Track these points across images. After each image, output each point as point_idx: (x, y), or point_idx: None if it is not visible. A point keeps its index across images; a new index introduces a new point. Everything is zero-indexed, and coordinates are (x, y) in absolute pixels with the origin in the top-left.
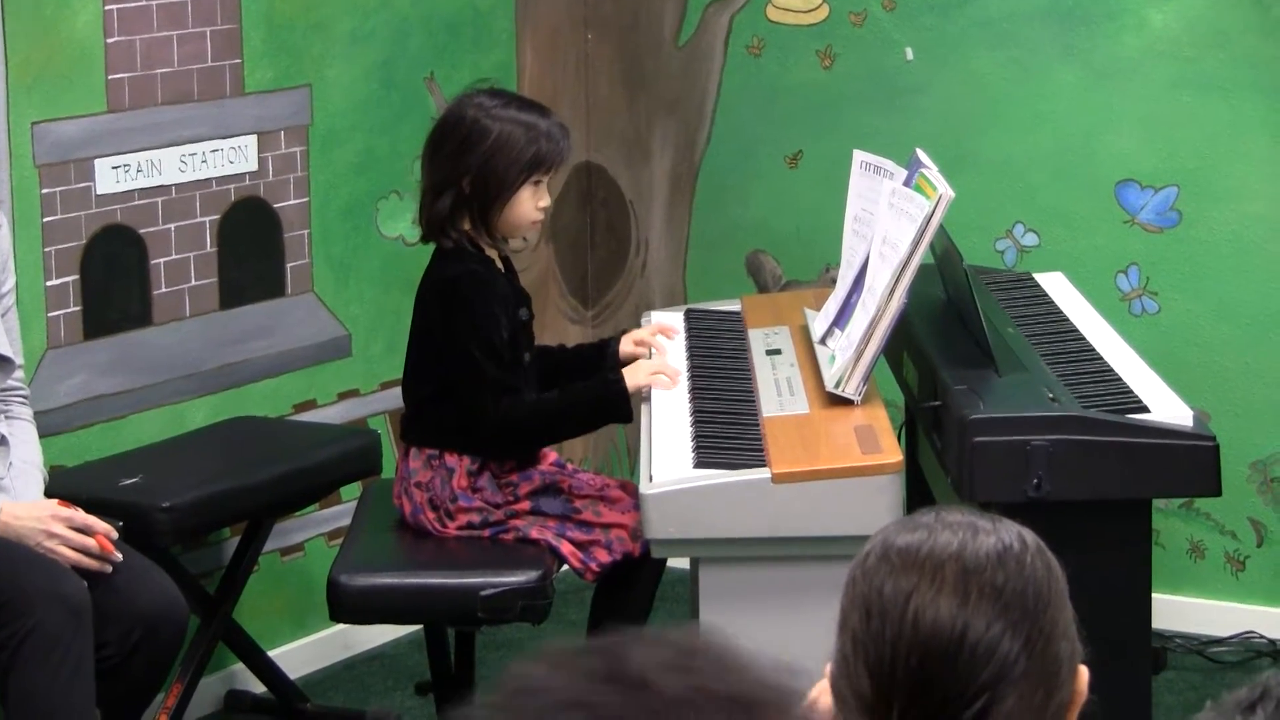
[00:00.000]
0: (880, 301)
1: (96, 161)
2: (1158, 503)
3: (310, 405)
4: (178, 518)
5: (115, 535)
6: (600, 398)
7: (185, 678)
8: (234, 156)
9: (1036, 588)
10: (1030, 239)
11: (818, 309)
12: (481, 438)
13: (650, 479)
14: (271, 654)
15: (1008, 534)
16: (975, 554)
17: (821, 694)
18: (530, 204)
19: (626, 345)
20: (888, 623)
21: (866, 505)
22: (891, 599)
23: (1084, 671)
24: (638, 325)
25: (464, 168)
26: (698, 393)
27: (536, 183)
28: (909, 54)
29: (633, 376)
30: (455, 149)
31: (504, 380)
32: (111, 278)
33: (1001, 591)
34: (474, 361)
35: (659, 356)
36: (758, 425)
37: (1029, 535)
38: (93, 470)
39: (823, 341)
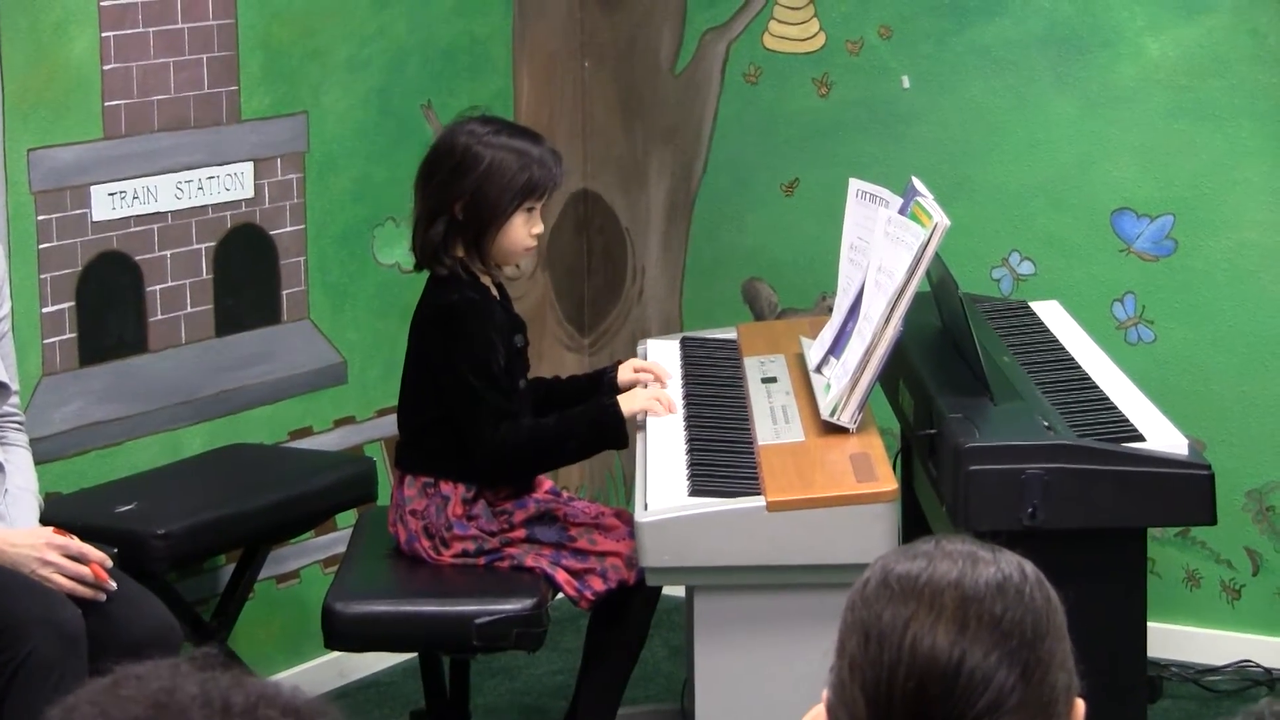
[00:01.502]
0: (876, 330)
1: (93, 188)
2: (1153, 531)
3: (306, 432)
4: (173, 545)
5: (110, 564)
6: (596, 423)
7: None
8: (230, 183)
9: (1035, 618)
10: (1026, 267)
11: (813, 337)
12: (479, 464)
13: (645, 507)
14: None
15: (1008, 564)
16: (975, 583)
17: None
18: (523, 231)
19: (625, 373)
20: (886, 648)
21: (862, 533)
22: (890, 625)
23: (1080, 705)
24: (634, 353)
25: (456, 194)
26: (693, 420)
27: (529, 209)
28: (905, 82)
29: (629, 403)
30: (447, 176)
31: (501, 407)
32: (107, 304)
33: (1000, 621)
34: (471, 389)
35: (655, 386)
36: (753, 453)
37: (1029, 566)
38: (88, 497)
39: (818, 369)
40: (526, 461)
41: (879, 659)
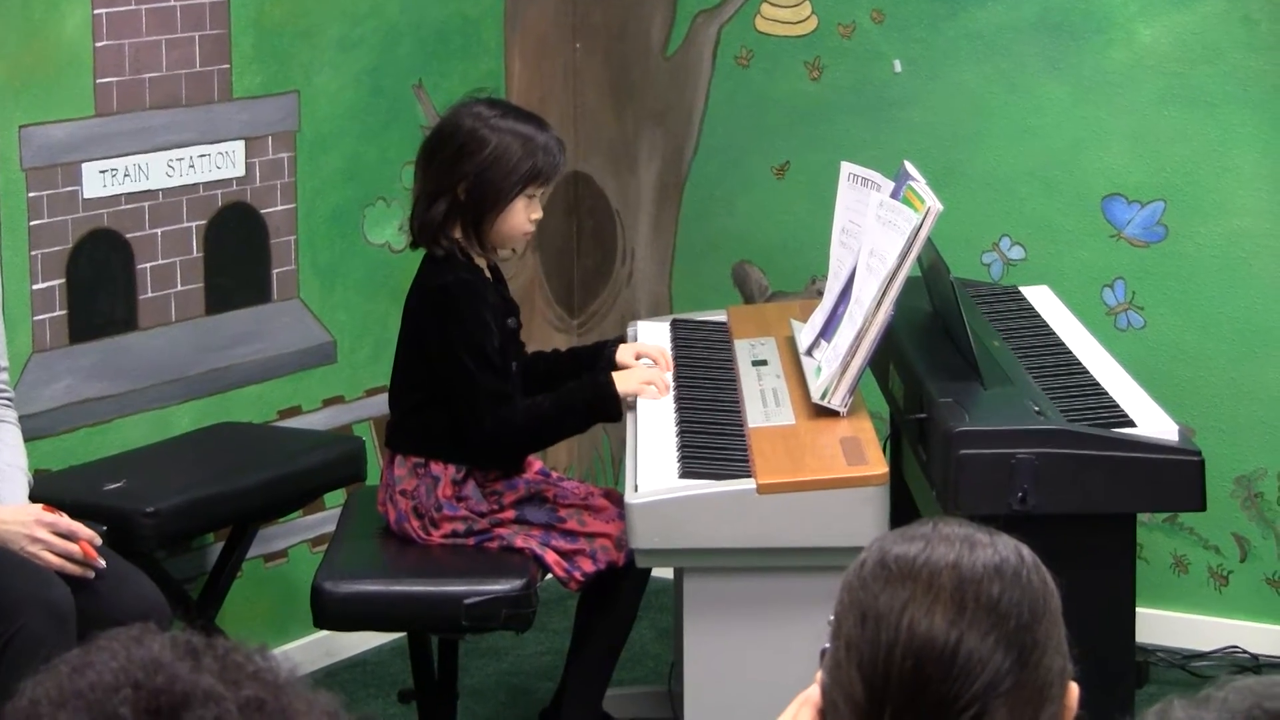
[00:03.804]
0: (867, 313)
1: (84, 165)
2: (1142, 517)
3: (295, 411)
4: (162, 523)
5: (99, 541)
6: (592, 399)
7: None
8: (221, 162)
9: (1032, 601)
10: (1017, 252)
11: (804, 320)
12: (475, 446)
13: (635, 489)
14: None
15: (1005, 547)
16: (972, 566)
17: (804, 704)
18: (523, 216)
19: (626, 355)
20: (883, 628)
21: (851, 517)
22: (888, 606)
23: (1074, 688)
24: (624, 335)
25: (459, 175)
26: (683, 403)
27: (530, 195)
28: (897, 66)
29: (624, 382)
30: (452, 156)
31: (497, 389)
32: (98, 282)
33: (997, 604)
34: (467, 370)
35: (652, 367)
36: (743, 436)
37: (1026, 550)
38: (77, 475)
39: (809, 353)
40: (524, 442)
41: (876, 639)
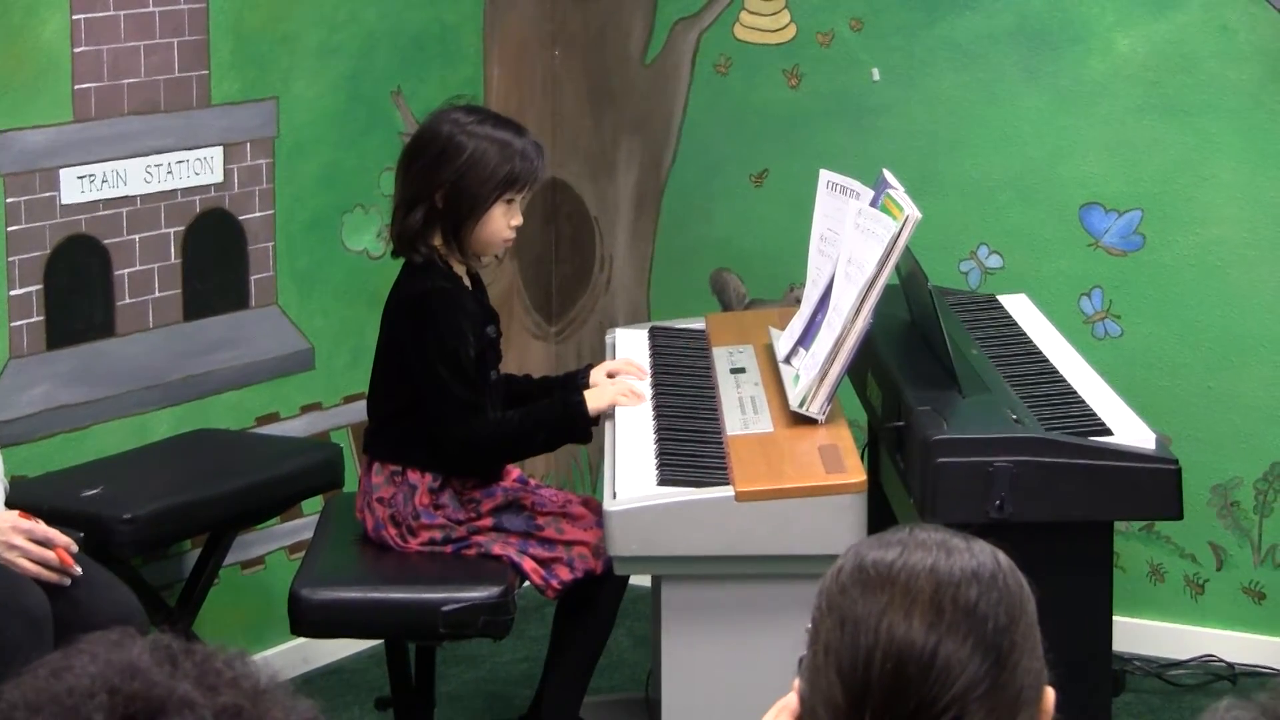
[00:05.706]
0: (845, 321)
1: (62, 171)
2: (1119, 525)
3: (273, 418)
4: (139, 529)
5: (75, 548)
6: (561, 418)
7: None
8: (200, 168)
9: (1009, 605)
10: (995, 261)
11: (782, 328)
12: (445, 455)
13: (614, 496)
14: None
15: (981, 552)
16: (949, 570)
17: (782, 711)
18: (502, 222)
19: (599, 376)
20: (862, 632)
21: (829, 524)
22: (866, 611)
23: (1050, 692)
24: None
25: (437, 183)
26: (661, 410)
27: (509, 201)
28: (876, 74)
29: (596, 399)
30: (429, 164)
31: (468, 399)
32: (75, 288)
33: (974, 608)
34: (440, 379)
35: (624, 380)
36: (721, 444)
37: (1001, 555)
38: (54, 481)
39: (787, 361)
40: (490, 455)
41: (855, 643)
